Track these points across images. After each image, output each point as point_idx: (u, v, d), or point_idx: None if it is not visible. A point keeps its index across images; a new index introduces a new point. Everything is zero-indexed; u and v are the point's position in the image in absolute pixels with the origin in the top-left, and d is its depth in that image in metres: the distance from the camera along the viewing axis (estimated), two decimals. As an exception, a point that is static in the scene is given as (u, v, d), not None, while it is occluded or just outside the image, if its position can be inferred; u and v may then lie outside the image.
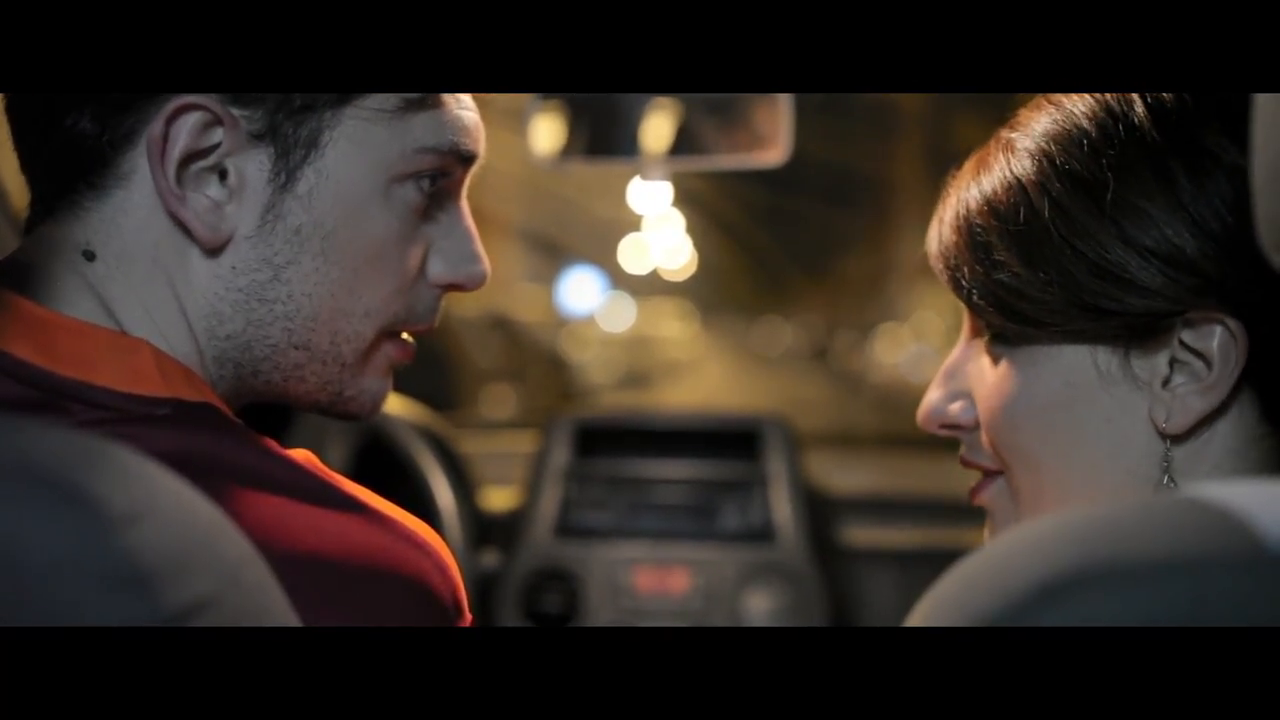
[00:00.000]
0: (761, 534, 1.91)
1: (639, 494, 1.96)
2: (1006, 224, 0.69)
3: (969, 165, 0.75)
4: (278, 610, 0.50)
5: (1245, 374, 0.65)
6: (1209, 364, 0.66)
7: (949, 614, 0.44)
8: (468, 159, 0.73)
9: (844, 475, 2.14)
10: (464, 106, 0.72)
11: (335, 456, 1.60)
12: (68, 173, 0.66)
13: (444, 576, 0.65)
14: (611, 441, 2.02)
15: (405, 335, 0.75)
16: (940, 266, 0.74)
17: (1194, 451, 0.68)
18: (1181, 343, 0.66)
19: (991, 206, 0.70)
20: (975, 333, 0.75)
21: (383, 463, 1.69)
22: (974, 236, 0.71)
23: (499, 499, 2.05)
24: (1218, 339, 0.65)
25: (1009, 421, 0.71)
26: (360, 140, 0.67)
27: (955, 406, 0.76)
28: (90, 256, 0.66)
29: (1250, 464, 0.67)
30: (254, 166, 0.66)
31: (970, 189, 0.73)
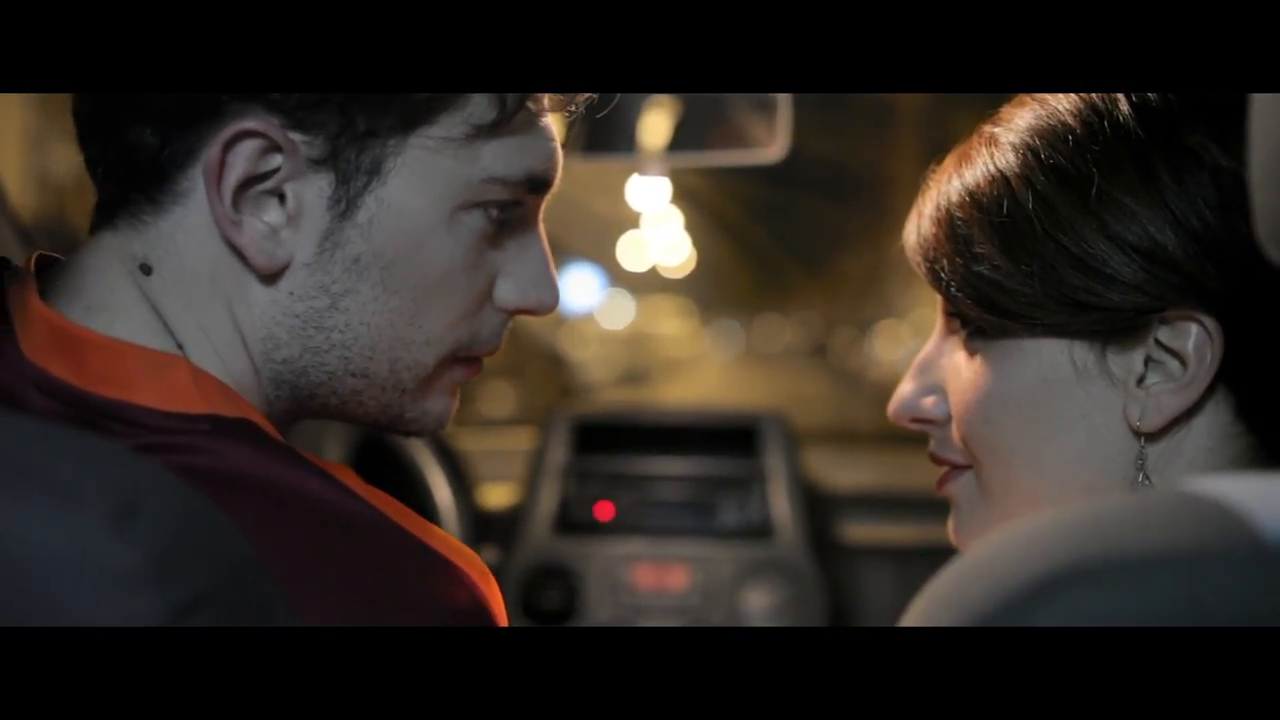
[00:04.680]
0: (760, 531, 1.91)
1: (638, 491, 1.96)
2: (989, 216, 0.69)
3: (950, 160, 0.74)
4: (277, 607, 0.50)
5: (1220, 373, 0.66)
6: (1184, 363, 0.66)
7: (946, 610, 0.44)
8: (541, 188, 0.70)
9: (842, 472, 2.14)
10: (539, 134, 0.69)
11: (334, 453, 1.60)
12: (127, 184, 0.65)
13: (478, 609, 0.63)
14: (610, 438, 2.02)
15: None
16: (919, 259, 0.74)
17: (1168, 449, 0.68)
18: (1158, 341, 0.66)
19: (974, 198, 0.70)
20: (949, 327, 0.75)
21: (381, 460, 1.69)
22: (955, 228, 0.71)
23: (498, 496, 2.04)
24: (1194, 338, 0.65)
25: (983, 415, 0.71)
26: (425, 168, 0.65)
27: (928, 400, 0.76)
28: (147, 270, 0.65)
29: (1224, 461, 0.68)
30: (313, 193, 0.64)
31: (952, 182, 0.72)
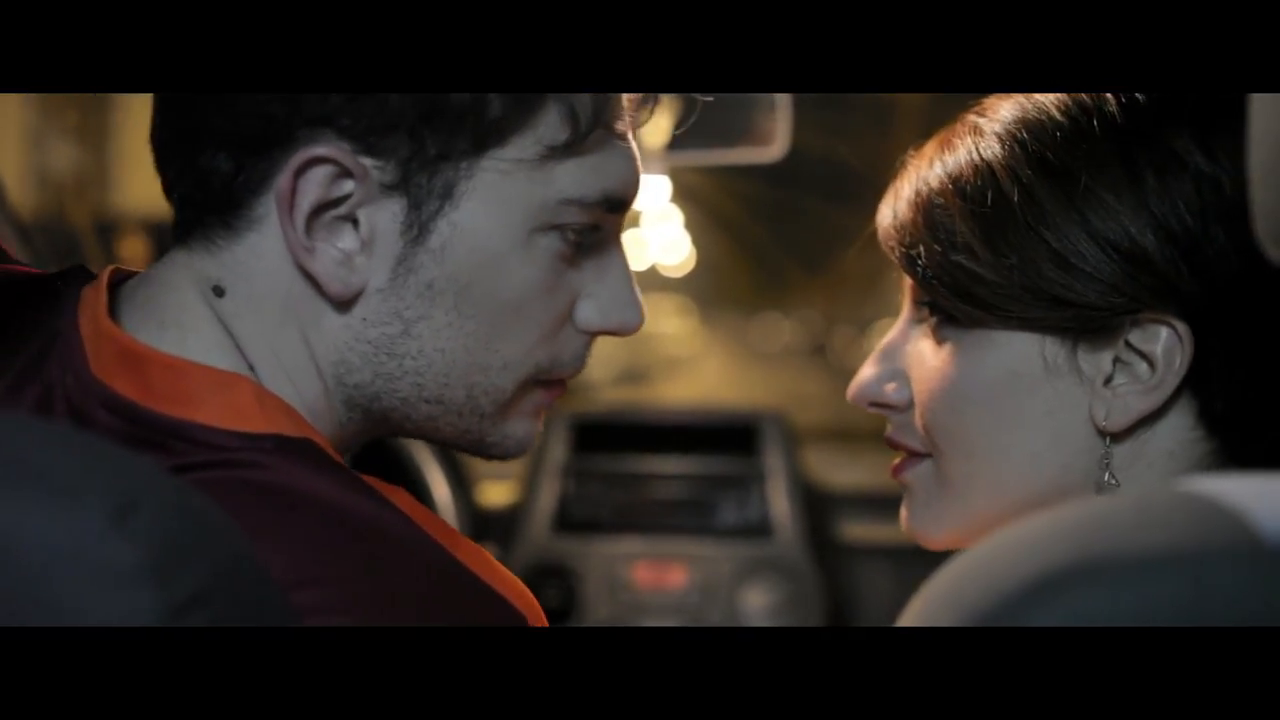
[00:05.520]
0: (759, 529, 1.91)
1: (637, 489, 1.96)
2: (971, 205, 0.69)
3: (931, 145, 0.74)
4: (276, 605, 0.50)
5: (1187, 379, 0.66)
6: (1153, 366, 0.66)
7: (944, 610, 0.44)
8: (619, 207, 0.68)
9: (841, 471, 2.14)
10: (615, 153, 0.67)
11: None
12: (202, 208, 0.65)
13: None
14: (610, 437, 2.02)
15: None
16: (894, 243, 0.73)
17: (1132, 450, 0.68)
18: (1128, 343, 0.67)
19: (957, 186, 0.70)
20: (917, 313, 0.75)
21: (380, 458, 1.69)
22: (934, 215, 0.70)
23: (496, 494, 2.05)
24: (1164, 342, 0.66)
25: (948, 405, 0.71)
26: (497, 191, 0.64)
27: (889, 386, 0.76)
28: (220, 292, 0.65)
29: (1184, 465, 0.68)
30: (386, 218, 0.63)
31: (933, 167, 0.72)
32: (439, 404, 0.67)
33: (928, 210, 0.71)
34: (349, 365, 0.66)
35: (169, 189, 0.66)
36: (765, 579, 1.87)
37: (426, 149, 0.62)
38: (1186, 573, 0.41)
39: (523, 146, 0.64)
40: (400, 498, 0.64)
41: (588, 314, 0.70)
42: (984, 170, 0.69)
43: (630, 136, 0.68)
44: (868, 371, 0.77)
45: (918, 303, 0.74)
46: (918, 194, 0.72)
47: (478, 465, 2.01)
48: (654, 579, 1.88)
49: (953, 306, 0.70)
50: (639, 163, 0.69)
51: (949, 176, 0.70)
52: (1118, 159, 0.66)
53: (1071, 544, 0.43)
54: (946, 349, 0.71)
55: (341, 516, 0.61)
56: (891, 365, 0.76)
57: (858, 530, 2.01)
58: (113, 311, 0.66)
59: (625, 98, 0.68)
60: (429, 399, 0.67)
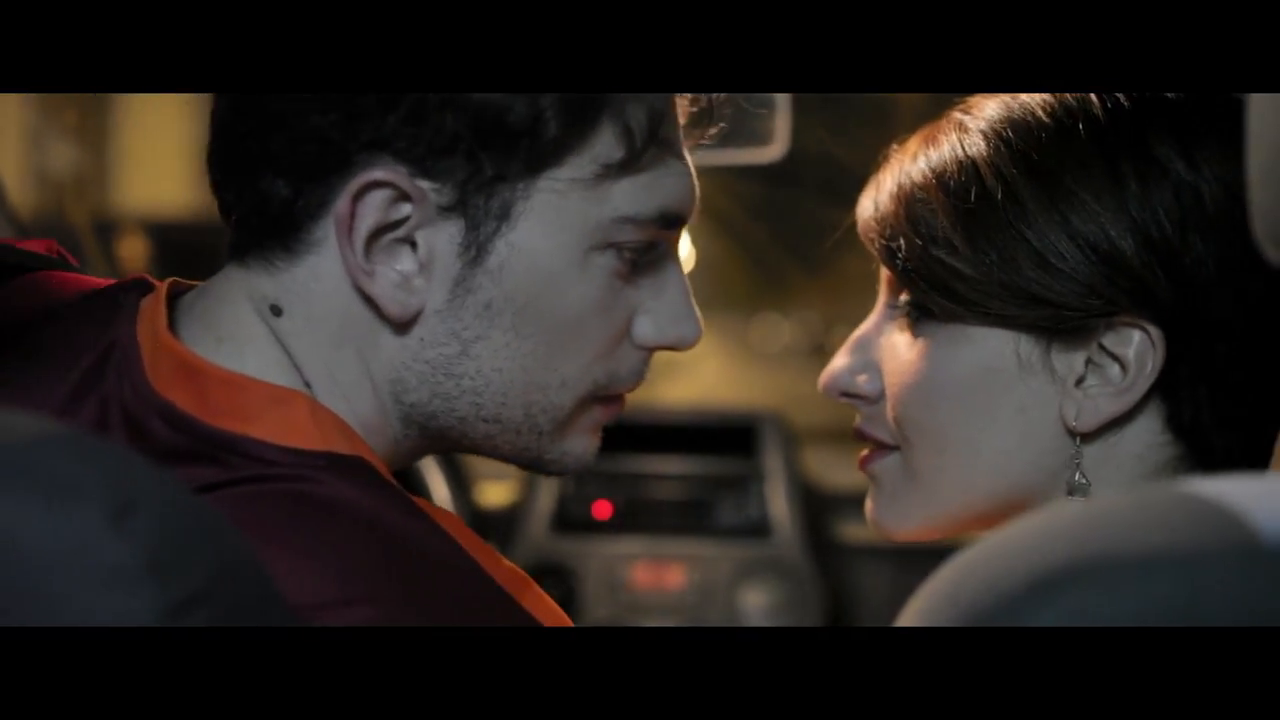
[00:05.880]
0: (758, 529, 1.91)
1: (636, 490, 1.96)
2: (954, 200, 0.69)
3: (915, 140, 0.74)
4: (275, 605, 0.50)
5: (1157, 384, 0.67)
6: (1125, 369, 0.67)
7: (943, 610, 0.44)
8: (675, 223, 0.68)
9: (840, 471, 2.14)
10: (671, 169, 0.67)
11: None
12: (261, 231, 0.65)
13: None
14: (608, 437, 2.02)
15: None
16: (874, 235, 0.73)
17: (1101, 451, 0.69)
18: (1101, 345, 0.67)
19: (940, 181, 0.70)
20: (891, 305, 0.75)
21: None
22: (916, 209, 0.71)
23: (495, 494, 2.04)
24: (1136, 345, 0.67)
25: (921, 399, 0.71)
26: (554, 211, 0.64)
27: (861, 377, 0.76)
28: (278, 312, 0.65)
29: (1150, 469, 0.69)
30: (444, 239, 0.63)
31: (917, 161, 0.72)
32: (497, 423, 0.67)
33: (910, 204, 0.71)
34: (405, 384, 0.66)
35: (225, 210, 0.67)
36: (764, 579, 1.87)
37: (483, 170, 0.62)
38: (1185, 573, 0.41)
39: (578, 166, 0.64)
40: (447, 519, 0.65)
41: (645, 330, 0.70)
42: (968, 166, 0.69)
43: (685, 151, 0.68)
44: (839, 362, 0.77)
45: (894, 295, 0.74)
46: (900, 187, 0.72)
47: (477, 465, 2.01)
48: (653, 579, 1.88)
49: (930, 300, 0.70)
50: (694, 178, 0.69)
51: (933, 171, 0.71)
52: (1101, 163, 0.67)
53: (1070, 544, 0.43)
54: (921, 343, 0.71)
55: (388, 536, 0.61)
56: (864, 356, 0.76)
57: (857, 530, 2.01)
58: (171, 325, 0.66)
59: (680, 111, 0.68)
60: (487, 418, 0.67)
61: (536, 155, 0.63)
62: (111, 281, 0.72)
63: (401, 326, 0.65)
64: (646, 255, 0.68)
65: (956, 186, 0.69)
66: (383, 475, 0.64)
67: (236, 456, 0.62)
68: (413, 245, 0.64)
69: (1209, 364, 0.67)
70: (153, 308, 0.67)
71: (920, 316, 0.71)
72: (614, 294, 0.67)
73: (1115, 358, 0.67)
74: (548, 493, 1.95)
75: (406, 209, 0.63)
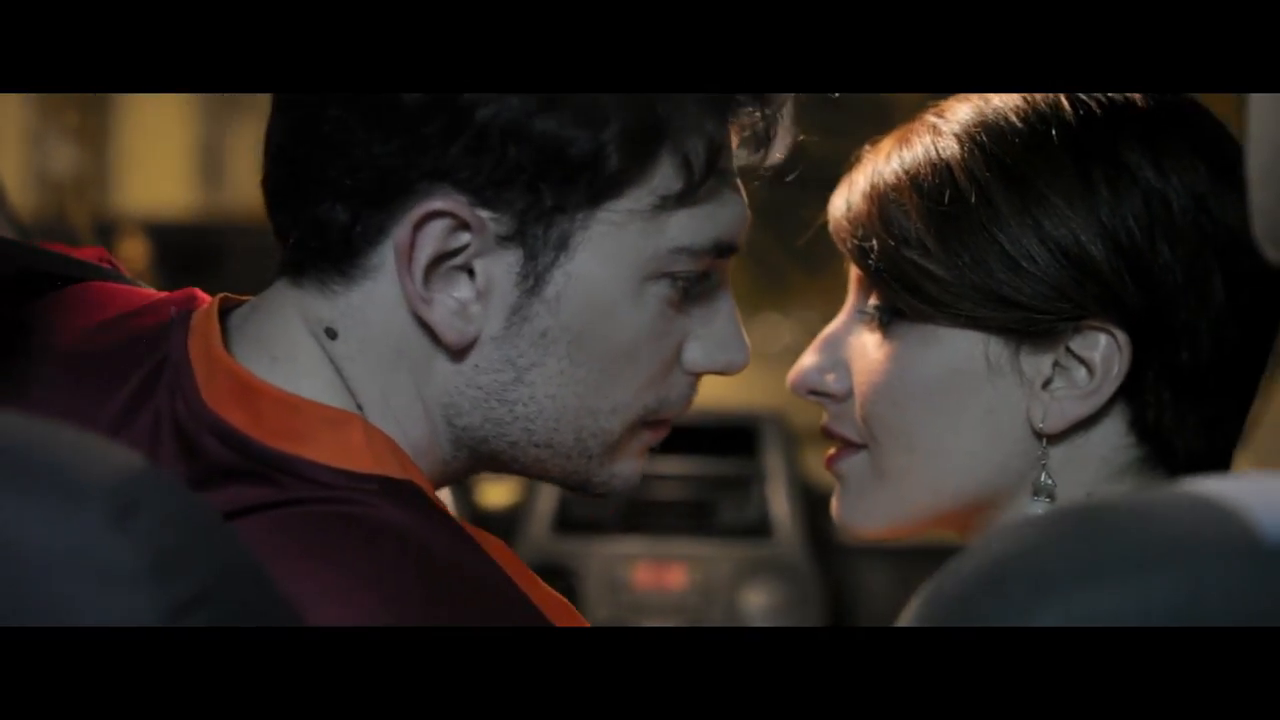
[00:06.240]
0: (759, 530, 1.91)
1: (637, 490, 1.96)
2: (928, 202, 0.70)
3: (888, 141, 0.75)
4: (276, 606, 0.50)
5: (1123, 388, 0.68)
6: (1091, 372, 0.68)
7: (945, 609, 0.44)
8: (728, 252, 0.69)
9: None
10: (727, 199, 0.67)
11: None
12: (317, 255, 0.65)
13: None
14: None
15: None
16: (845, 234, 0.74)
17: (1068, 453, 0.70)
18: (1068, 348, 0.69)
19: (914, 183, 0.71)
20: (861, 305, 0.75)
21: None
22: (889, 209, 0.71)
23: (496, 494, 2.04)
24: (1102, 348, 0.68)
25: (889, 398, 0.72)
26: (611, 242, 0.64)
27: (830, 376, 0.76)
28: (332, 334, 0.65)
29: (1114, 471, 0.70)
30: (502, 268, 0.64)
31: (891, 162, 0.73)
32: (548, 447, 0.68)
33: (883, 204, 0.72)
34: (458, 408, 0.66)
35: (280, 232, 0.67)
36: (765, 579, 1.87)
37: (543, 201, 0.63)
38: (1187, 572, 0.41)
39: (638, 198, 0.64)
40: (493, 545, 0.66)
41: (695, 355, 0.70)
42: (942, 168, 0.70)
43: (738, 180, 0.69)
44: (808, 360, 0.77)
45: (864, 294, 0.75)
46: (873, 187, 0.73)
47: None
48: (654, 579, 1.88)
49: (901, 300, 0.71)
50: (747, 207, 0.69)
51: (906, 172, 0.71)
52: (1073, 169, 0.68)
53: (1072, 543, 0.43)
54: (891, 343, 0.72)
55: (436, 562, 0.61)
56: (833, 355, 0.77)
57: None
58: (224, 342, 0.66)
59: (735, 140, 0.68)
60: (538, 443, 0.67)
61: (597, 187, 0.63)
62: (161, 294, 0.72)
63: (457, 353, 0.65)
64: (699, 284, 0.68)
65: (930, 188, 0.70)
66: (433, 500, 0.65)
67: (289, 477, 0.62)
68: (470, 273, 0.64)
69: (1173, 369, 0.68)
70: (205, 324, 0.67)
71: (890, 317, 0.72)
72: (667, 322, 0.67)
73: (1082, 361, 0.69)
74: (549, 493, 1.95)
75: (465, 237, 0.63)
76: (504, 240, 0.63)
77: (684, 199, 0.65)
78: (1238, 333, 0.68)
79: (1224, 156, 0.69)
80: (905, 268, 0.70)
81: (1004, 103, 0.71)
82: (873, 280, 0.72)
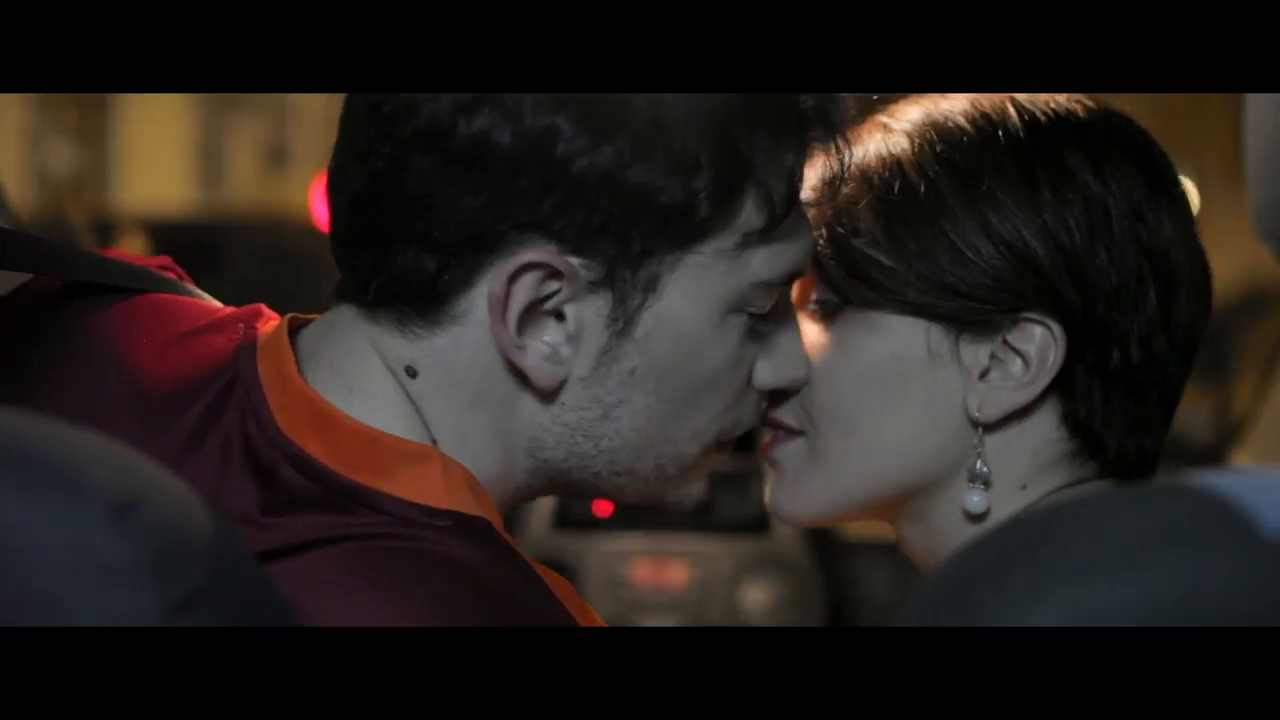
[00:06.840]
0: (758, 526, 1.91)
1: None
2: (878, 194, 0.72)
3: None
4: (275, 604, 0.51)
5: (1056, 382, 0.71)
6: (1027, 364, 0.71)
7: (944, 607, 0.44)
8: (796, 278, 0.72)
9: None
10: (800, 230, 0.69)
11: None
12: (399, 299, 0.65)
13: None
14: None
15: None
16: None
17: (1003, 442, 0.73)
18: (1006, 340, 0.71)
19: (865, 177, 0.73)
20: (805, 293, 0.77)
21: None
22: (840, 202, 0.73)
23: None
24: (1038, 341, 0.71)
25: (832, 384, 0.74)
26: (699, 281, 0.65)
27: None
28: (413, 374, 0.66)
29: (1045, 462, 0.73)
30: (592, 312, 0.65)
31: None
32: (629, 475, 0.69)
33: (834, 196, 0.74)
34: (542, 444, 0.67)
35: (355, 273, 0.66)
36: (765, 576, 1.87)
37: (633, 247, 0.63)
38: (1184, 564, 0.41)
39: (724, 238, 0.65)
40: (560, 585, 0.66)
41: (764, 374, 0.72)
42: (892, 163, 0.73)
43: (806, 209, 0.71)
44: None
45: (809, 290, 0.77)
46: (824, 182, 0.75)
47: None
48: (653, 576, 1.88)
49: (848, 287, 0.73)
50: (813, 233, 0.71)
51: (857, 168, 0.73)
52: (1018, 169, 0.71)
53: (1070, 539, 0.43)
54: (834, 330, 0.74)
55: (505, 601, 0.62)
56: None
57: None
58: (296, 365, 0.66)
59: (809, 173, 0.70)
60: (619, 472, 0.69)
61: (688, 233, 0.64)
62: (227, 310, 0.72)
63: (545, 394, 0.66)
64: (771, 312, 0.70)
65: (880, 182, 0.73)
66: (505, 539, 0.65)
67: (365, 509, 0.62)
68: (559, 317, 0.65)
69: (1104, 367, 0.71)
70: (276, 346, 0.67)
71: (834, 304, 0.74)
72: (743, 349, 0.69)
73: (1019, 353, 0.71)
74: (548, 490, 1.94)
75: (556, 285, 0.63)
76: (594, 285, 0.64)
77: (765, 236, 0.66)
78: (1165, 342, 0.71)
79: (1157, 169, 0.72)
80: (854, 256, 0.72)
81: (952, 105, 0.74)
82: (821, 270, 0.74)
